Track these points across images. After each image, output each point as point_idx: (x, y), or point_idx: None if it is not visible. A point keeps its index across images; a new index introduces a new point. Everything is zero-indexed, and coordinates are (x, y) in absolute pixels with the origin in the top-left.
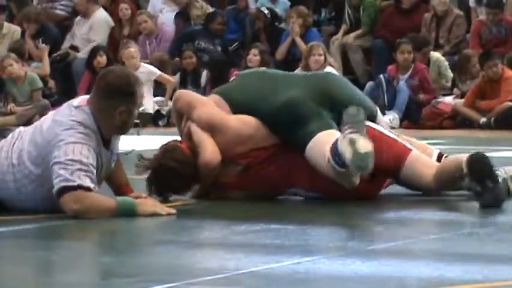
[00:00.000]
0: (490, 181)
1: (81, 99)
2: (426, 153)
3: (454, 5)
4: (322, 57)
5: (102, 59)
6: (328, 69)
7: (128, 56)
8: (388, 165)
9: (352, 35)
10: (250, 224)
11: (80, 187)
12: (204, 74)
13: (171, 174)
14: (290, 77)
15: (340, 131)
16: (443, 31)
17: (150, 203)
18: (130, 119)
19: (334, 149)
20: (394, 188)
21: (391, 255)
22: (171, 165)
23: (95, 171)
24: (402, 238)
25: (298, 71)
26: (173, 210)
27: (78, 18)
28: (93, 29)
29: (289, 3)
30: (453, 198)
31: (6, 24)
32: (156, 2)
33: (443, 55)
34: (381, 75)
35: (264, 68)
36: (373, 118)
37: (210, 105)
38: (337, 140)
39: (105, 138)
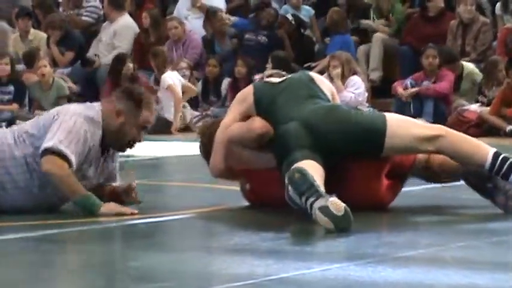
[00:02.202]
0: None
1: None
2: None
3: (481, 12)
4: (339, 70)
5: (129, 65)
6: (353, 77)
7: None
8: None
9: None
10: (279, 231)
11: (64, 155)
12: (225, 82)
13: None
14: (302, 105)
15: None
16: (469, 39)
17: (113, 205)
18: (125, 127)
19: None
20: (420, 196)
21: (420, 263)
22: (208, 133)
23: (81, 151)
24: (431, 245)
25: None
26: (135, 211)
27: (105, 23)
28: (117, 35)
29: (313, 11)
30: (480, 205)
31: (32, 30)
32: (181, 8)
33: (469, 61)
34: (408, 82)
35: (299, 78)
36: (381, 140)
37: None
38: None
39: (104, 143)
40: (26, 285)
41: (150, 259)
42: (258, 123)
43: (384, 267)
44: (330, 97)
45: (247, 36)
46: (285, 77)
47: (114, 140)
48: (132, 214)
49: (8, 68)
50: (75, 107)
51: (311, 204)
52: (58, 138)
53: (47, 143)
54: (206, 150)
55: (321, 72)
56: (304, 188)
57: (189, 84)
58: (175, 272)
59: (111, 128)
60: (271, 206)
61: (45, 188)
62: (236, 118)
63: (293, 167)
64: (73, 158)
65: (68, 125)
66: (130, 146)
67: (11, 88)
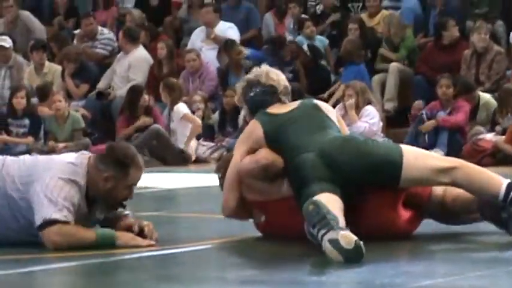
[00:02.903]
0: None
1: (79, 154)
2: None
3: (496, 41)
4: (352, 100)
5: (145, 97)
6: (368, 107)
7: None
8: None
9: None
10: (294, 261)
11: (59, 221)
12: (243, 112)
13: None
14: (316, 135)
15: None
16: (483, 68)
17: (129, 237)
18: (115, 192)
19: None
20: (436, 223)
21: None
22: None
23: (73, 208)
24: (448, 275)
25: (338, 109)
26: (152, 242)
27: (120, 55)
28: (132, 67)
29: (327, 41)
30: (496, 233)
31: (47, 63)
32: (195, 40)
33: (483, 91)
34: (423, 112)
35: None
36: (398, 171)
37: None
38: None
39: (89, 199)
40: None
41: None
42: (262, 154)
43: None
44: (337, 123)
45: None
46: (290, 107)
47: (104, 202)
48: (148, 246)
49: (24, 101)
50: (55, 172)
51: (322, 236)
52: (47, 207)
53: (40, 216)
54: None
55: (336, 102)
56: (316, 220)
57: (192, 116)
58: None
59: (100, 193)
60: (286, 237)
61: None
62: (244, 155)
63: (309, 199)
64: (70, 216)
65: (52, 189)
66: (122, 205)
67: (27, 121)
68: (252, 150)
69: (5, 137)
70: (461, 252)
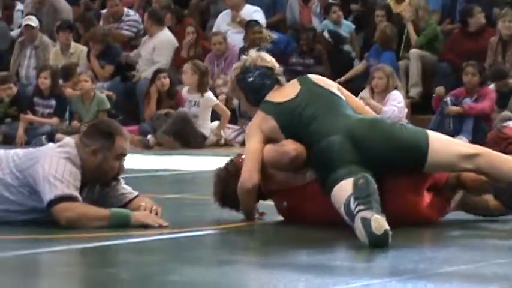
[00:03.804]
0: None
1: (66, 138)
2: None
3: None
4: (383, 81)
5: (165, 81)
6: (394, 92)
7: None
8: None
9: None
10: (316, 246)
11: (70, 197)
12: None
13: (222, 184)
14: (336, 117)
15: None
16: (509, 55)
17: (143, 214)
18: (105, 164)
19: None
20: (458, 213)
21: (461, 279)
22: (223, 175)
23: (78, 185)
24: (471, 261)
25: (364, 92)
26: (165, 223)
27: (145, 38)
28: (156, 50)
29: (353, 26)
30: None
31: (73, 44)
32: (221, 23)
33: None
34: (448, 99)
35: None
36: (424, 155)
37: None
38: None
39: (82, 180)
40: None
41: (188, 273)
42: (290, 146)
43: (424, 283)
44: (341, 96)
45: (293, 60)
46: (292, 92)
47: (97, 178)
48: (160, 227)
49: (48, 81)
50: (53, 152)
51: (357, 212)
52: (55, 184)
53: (49, 194)
54: (220, 197)
55: (351, 81)
56: (361, 194)
57: (223, 107)
58: (214, 286)
59: (92, 168)
60: (308, 222)
61: None
62: (261, 144)
63: (361, 174)
64: (77, 194)
65: (57, 167)
66: (115, 179)
67: (53, 102)
68: (266, 140)
69: (30, 116)
70: (484, 240)
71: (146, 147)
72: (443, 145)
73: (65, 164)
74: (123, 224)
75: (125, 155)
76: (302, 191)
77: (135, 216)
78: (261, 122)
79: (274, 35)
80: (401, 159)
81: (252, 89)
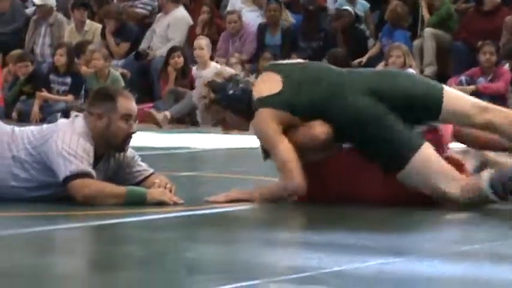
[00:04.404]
0: None
1: (73, 114)
2: None
3: None
4: (401, 59)
5: (179, 60)
6: (409, 71)
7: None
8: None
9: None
10: (330, 224)
11: (85, 173)
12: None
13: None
14: (353, 80)
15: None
16: None
17: (159, 192)
18: (112, 126)
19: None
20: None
21: (476, 258)
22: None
23: (92, 161)
24: (486, 240)
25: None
26: (180, 200)
27: (160, 14)
28: (171, 27)
29: (368, 5)
30: None
31: (88, 21)
32: (235, 1)
33: None
34: (462, 78)
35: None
36: (440, 102)
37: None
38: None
39: (96, 153)
40: (84, 274)
41: (204, 250)
42: (318, 129)
43: (439, 262)
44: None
45: (301, 45)
46: (280, 80)
47: (108, 143)
48: (175, 204)
49: (63, 58)
50: (65, 128)
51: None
52: (69, 159)
53: (64, 170)
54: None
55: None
56: None
57: None
58: (229, 264)
59: (100, 134)
60: (323, 200)
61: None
62: (288, 145)
63: None
64: (91, 170)
65: (70, 143)
66: (127, 141)
67: (69, 79)
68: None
69: (45, 93)
70: (500, 219)
71: (162, 123)
72: (458, 95)
73: (78, 140)
74: (139, 201)
75: (131, 115)
76: (325, 166)
77: (151, 193)
78: (273, 119)
79: (292, 18)
80: (417, 106)
81: (238, 99)
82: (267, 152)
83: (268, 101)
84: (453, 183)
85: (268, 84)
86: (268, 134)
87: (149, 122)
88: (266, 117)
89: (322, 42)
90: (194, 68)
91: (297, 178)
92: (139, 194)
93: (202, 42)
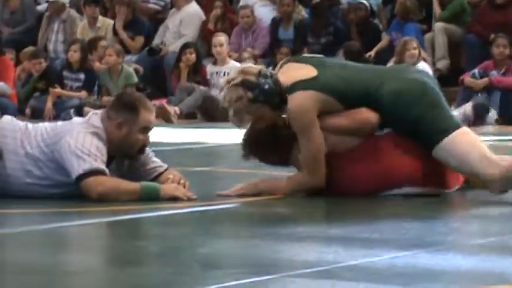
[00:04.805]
0: None
1: (91, 113)
2: None
3: None
4: (417, 51)
5: (191, 56)
6: (422, 64)
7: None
8: None
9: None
10: (346, 218)
11: (99, 171)
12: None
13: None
14: (376, 70)
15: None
16: None
17: (172, 187)
18: (130, 137)
19: None
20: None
21: (490, 251)
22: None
23: (105, 159)
24: (500, 234)
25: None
26: (194, 196)
27: (172, 10)
28: (183, 22)
29: None
30: None
31: (100, 17)
32: None
33: None
34: (475, 71)
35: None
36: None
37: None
38: None
39: (109, 154)
40: (99, 270)
41: (218, 246)
42: (369, 114)
43: (453, 255)
44: None
45: (310, 40)
46: (311, 67)
47: (122, 151)
48: (189, 199)
49: (77, 54)
50: (79, 128)
51: None
52: (83, 158)
53: (77, 169)
54: (250, 150)
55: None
56: None
57: None
58: (244, 259)
59: (117, 141)
60: (348, 188)
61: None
62: (321, 138)
63: None
64: (105, 167)
65: (83, 142)
66: (141, 151)
67: (82, 75)
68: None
69: (58, 90)
70: (506, 212)
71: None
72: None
73: (92, 139)
74: (153, 197)
75: (150, 128)
76: (349, 154)
77: (164, 189)
78: (312, 101)
79: (305, 12)
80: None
81: (274, 92)
82: (248, 150)
83: (306, 84)
84: (493, 165)
85: (301, 71)
86: (303, 121)
87: (160, 116)
88: (306, 98)
89: (332, 37)
90: (209, 65)
91: (322, 172)
92: (154, 190)
93: (222, 38)
